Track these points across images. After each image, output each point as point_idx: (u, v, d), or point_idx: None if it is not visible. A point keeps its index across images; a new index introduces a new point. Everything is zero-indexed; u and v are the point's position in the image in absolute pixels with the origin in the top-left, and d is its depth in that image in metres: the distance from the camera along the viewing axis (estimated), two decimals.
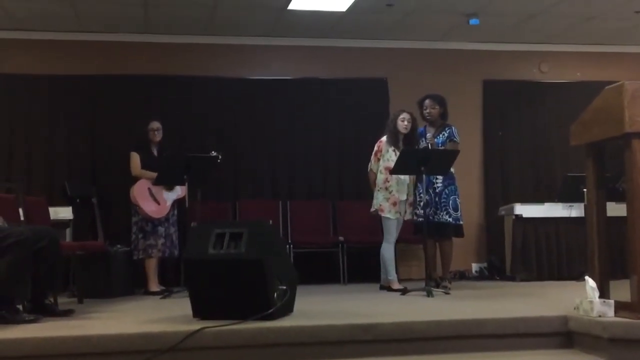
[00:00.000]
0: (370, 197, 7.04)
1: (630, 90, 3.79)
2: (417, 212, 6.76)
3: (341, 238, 8.23)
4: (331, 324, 3.95)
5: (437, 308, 4.93)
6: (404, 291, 6.28)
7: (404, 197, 6.77)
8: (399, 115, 6.84)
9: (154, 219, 6.99)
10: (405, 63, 9.26)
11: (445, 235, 6.87)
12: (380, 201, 6.77)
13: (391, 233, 6.77)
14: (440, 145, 6.81)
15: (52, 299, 5.13)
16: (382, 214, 6.76)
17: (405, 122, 6.78)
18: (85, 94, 8.55)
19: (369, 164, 7.00)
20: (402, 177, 6.70)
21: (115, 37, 8.68)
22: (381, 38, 9.12)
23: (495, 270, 8.85)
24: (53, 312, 4.71)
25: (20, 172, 8.31)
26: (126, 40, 8.73)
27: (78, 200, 7.83)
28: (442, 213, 6.76)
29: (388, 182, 6.74)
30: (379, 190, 6.81)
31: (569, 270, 8.09)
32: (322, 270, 8.22)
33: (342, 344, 3.86)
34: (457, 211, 6.82)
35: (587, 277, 4.08)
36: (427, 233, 6.52)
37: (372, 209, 6.86)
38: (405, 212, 6.82)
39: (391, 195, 6.74)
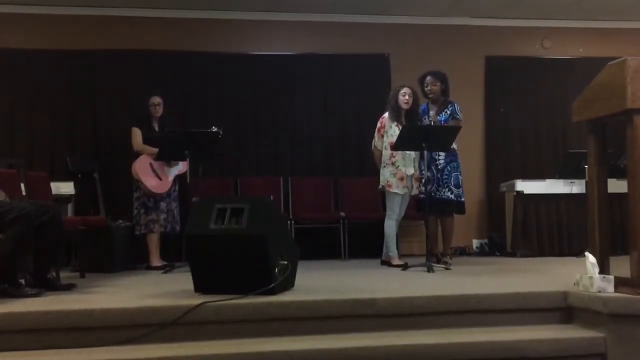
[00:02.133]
0: (372, 173, 7.03)
1: (632, 66, 3.77)
2: (419, 188, 6.76)
3: (342, 214, 8.24)
4: (332, 299, 3.96)
5: (437, 283, 4.95)
6: (404, 267, 6.30)
7: (411, 172, 6.74)
8: (399, 90, 6.79)
9: (155, 194, 7.00)
10: (407, 39, 9.22)
11: (446, 212, 6.86)
12: (387, 177, 6.73)
13: (394, 209, 6.75)
14: (442, 122, 6.79)
15: (54, 274, 5.15)
16: (390, 190, 6.73)
17: (407, 97, 6.73)
18: (87, 69, 8.55)
19: (373, 141, 6.95)
20: (407, 151, 6.69)
21: (116, 11, 8.64)
22: (383, 13, 9.07)
23: (496, 246, 8.88)
24: (55, 287, 4.73)
25: (22, 147, 8.32)
26: (127, 15, 8.69)
27: (80, 176, 7.84)
28: (444, 190, 6.76)
29: (394, 157, 6.70)
30: (385, 167, 6.77)
31: (569, 246, 8.12)
32: (323, 245, 8.25)
33: (343, 319, 3.88)
34: (459, 188, 6.82)
35: (587, 253, 4.09)
36: (428, 209, 6.52)
37: (380, 186, 6.85)
38: (412, 186, 6.81)
39: (398, 170, 6.70)
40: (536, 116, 9.49)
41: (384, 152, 6.79)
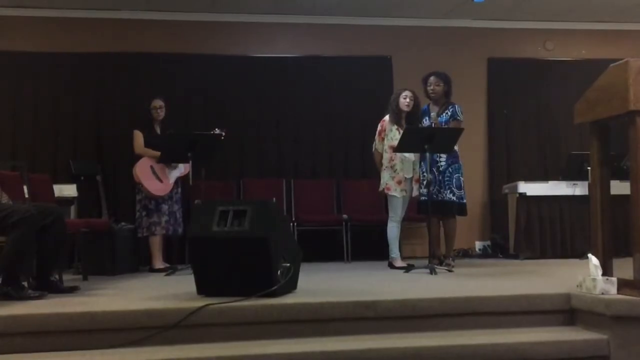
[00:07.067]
0: (374, 175, 7.04)
1: (635, 67, 3.77)
2: (421, 190, 6.76)
3: (345, 216, 8.24)
4: (334, 301, 3.95)
5: (440, 286, 4.94)
6: (407, 269, 6.30)
7: (409, 175, 6.77)
8: (400, 93, 6.82)
9: (157, 197, 7.00)
10: (409, 41, 9.22)
11: (448, 214, 6.85)
12: (386, 180, 6.77)
13: (396, 212, 6.77)
14: (443, 123, 6.78)
15: (57, 276, 5.17)
16: (389, 193, 6.76)
17: (407, 100, 6.75)
18: (89, 71, 8.55)
19: (374, 143, 6.98)
20: (406, 155, 6.69)
21: (119, 14, 8.65)
22: (386, 16, 9.08)
23: (499, 248, 8.87)
24: (58, 289, 4.73)
25: (25, 149, 8.33)
26: (130, 17, 8.71)
27: (82, 178, 7.86)
28: (445, 191, 6.75)
29: (393, 160, 6.73)
30: (384, 170, 6.81)
31: (572, 248, 8.11)
32: (326, 248, 8.23)
33: (345, 321, 3.88)
34: (461, 190, 6.81)
35: (590, 255, 4.08)
36: (430, 211, 6.52)
37: (380, 189, 6.86)
38: (412, 189, 6.83)
39: (396, 174, 6.73)
40: (539, 118, 9.49)
41: (384, 155, 6.82)
